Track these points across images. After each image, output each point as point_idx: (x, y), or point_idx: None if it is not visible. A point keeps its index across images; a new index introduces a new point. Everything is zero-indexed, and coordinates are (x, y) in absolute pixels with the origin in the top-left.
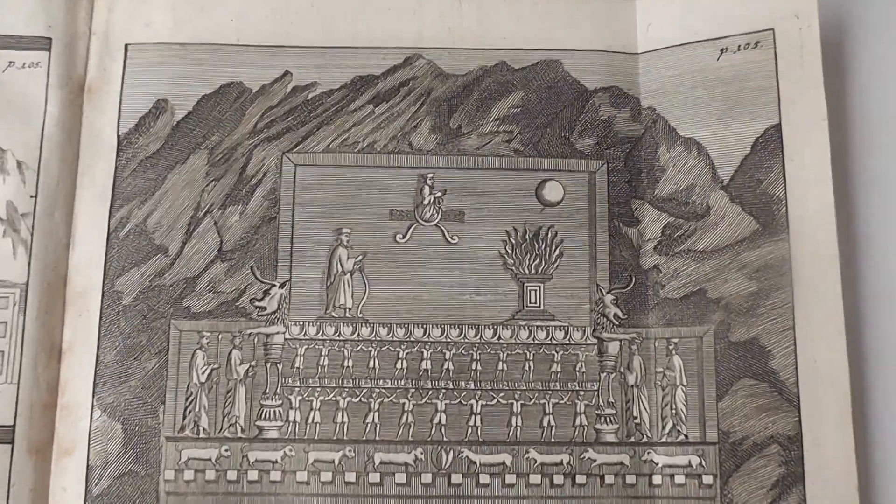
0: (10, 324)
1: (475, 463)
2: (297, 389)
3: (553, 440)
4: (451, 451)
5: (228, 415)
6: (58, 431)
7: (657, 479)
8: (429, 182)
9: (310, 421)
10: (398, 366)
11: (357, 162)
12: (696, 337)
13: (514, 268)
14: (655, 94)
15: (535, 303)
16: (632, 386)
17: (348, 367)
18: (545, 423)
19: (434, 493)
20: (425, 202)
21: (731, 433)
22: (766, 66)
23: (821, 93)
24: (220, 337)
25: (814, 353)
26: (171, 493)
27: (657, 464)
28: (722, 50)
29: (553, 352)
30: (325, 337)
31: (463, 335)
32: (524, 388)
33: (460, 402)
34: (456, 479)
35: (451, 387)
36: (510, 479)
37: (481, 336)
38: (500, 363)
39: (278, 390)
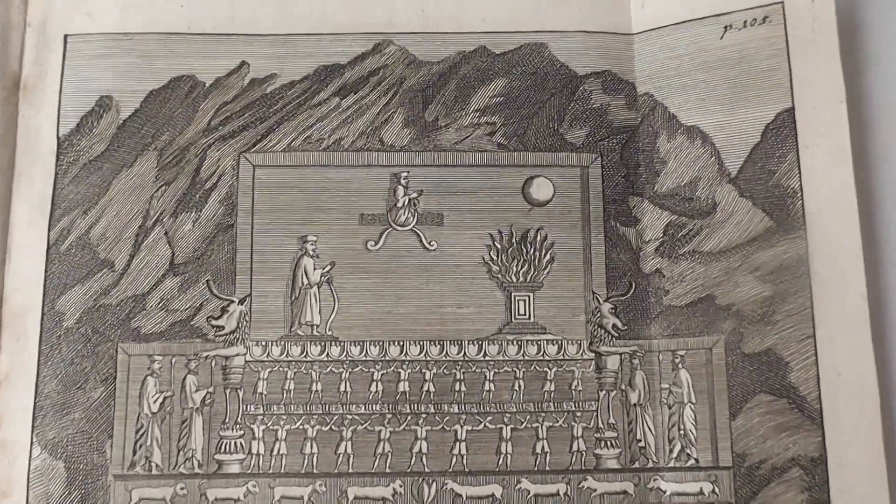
0: None
1: (461, 496)
2: (260, 418)
3: (548, 468)
4: (434, 484)
5: (184, 448)
6: None
7: None
8: (403, 182)
9: (275, 453)
10: (373, 389)
11: (322, 161)
12: (704, 349)
13: (499, 276)
14: (653, 79)
15: (525, 314)
16: (634, 405)
17: (317, 391)
18: (538, 450)
19: None
20: (399, 204)
21: (746, 456)
22: (775, 43)
23: (838, 72)
24: (173, 361)
25: (837, 364)
26: None
27: (665, 492)
28: (726, 27)
29: (546, 369)
30: (290, 358)
31: (444, 352)
32: (514, 410)
33: (443, 427)
34: None
35: (433, 411)
36: None
37: (465, 353)
38: (487, 383)
39: (239, 419)
